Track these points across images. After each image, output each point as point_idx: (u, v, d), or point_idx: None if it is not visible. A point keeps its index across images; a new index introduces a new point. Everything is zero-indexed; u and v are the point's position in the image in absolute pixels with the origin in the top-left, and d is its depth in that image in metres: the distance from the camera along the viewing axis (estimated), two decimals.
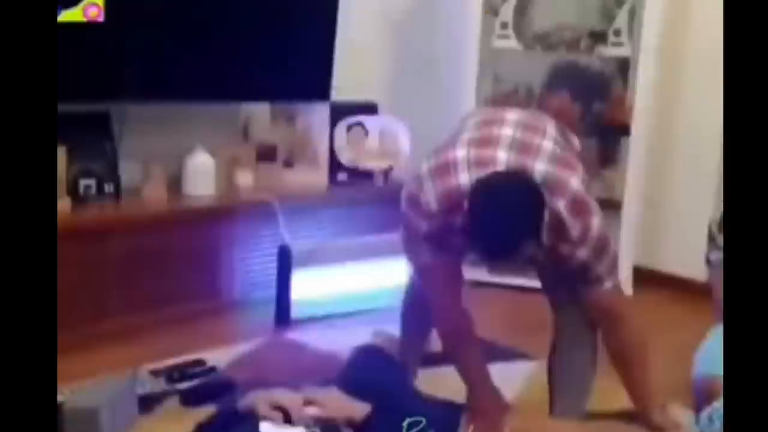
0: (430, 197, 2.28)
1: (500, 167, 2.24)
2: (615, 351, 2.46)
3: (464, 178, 2.24)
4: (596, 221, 2.26)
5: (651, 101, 4.20)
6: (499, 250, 2.18)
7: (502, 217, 2.12)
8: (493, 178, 2.20)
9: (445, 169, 2.28)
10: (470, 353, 2.56)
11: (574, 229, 2.23)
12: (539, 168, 2.24)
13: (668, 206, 4.46)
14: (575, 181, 2.25)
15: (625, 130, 4.23)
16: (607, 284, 2.36)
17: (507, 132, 2.32)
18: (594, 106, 4.30)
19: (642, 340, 2.48)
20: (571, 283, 2.41)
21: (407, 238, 2.43)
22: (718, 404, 2.29)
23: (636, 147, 4.22)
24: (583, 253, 2.26)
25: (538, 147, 2.29)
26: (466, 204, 2.18)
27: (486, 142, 2.31)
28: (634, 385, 2.48)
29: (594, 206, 2.28)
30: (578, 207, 2.24)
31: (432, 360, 3.01)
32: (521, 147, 2.28)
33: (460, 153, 2.29)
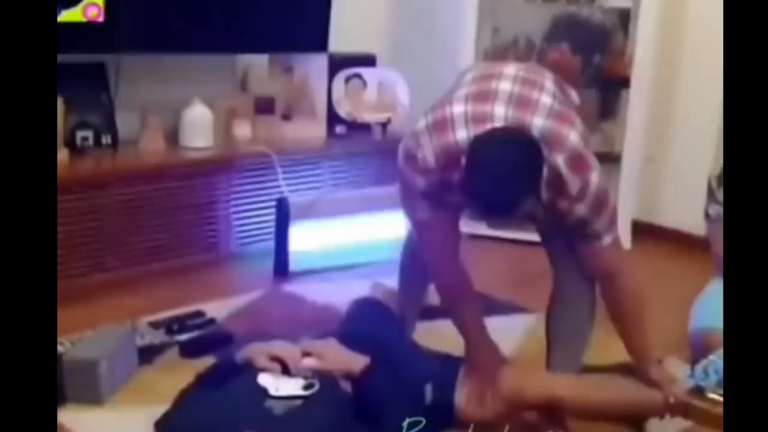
0: (428, 153, 2.26)
1: (498, 123, 2.21)
2: (612, 306, 2.46)
3: (462, 134, 2.22)
4: (595, 177, 2.24)
5: (651, 53, 4.17)
6: (497, 208, 2.16)
7: (500, 175, 2.09)
8: (491, 135, 2.17)
9: (442, 124, 2.26)
10: (467, 309, 2.56)
11: (573, 184, 2.22)
12: (537, 123, 2.22)
13: (668, 160, 4.45)
14: (574, 137, 2.23)
15: (625, 82, 4.21)
16: (606, 240, 2.35)
17: (505, 86, 2.30)
18: (594, 58, 4.27)
19: (639, 296, 2.48)
20: (569, 237, 2.41)
21: (404, 194, 2.42)
22: (714, 357, 2.30)
23: (636, 99, 4.19)
24: (581, 209, 2.25)
25: (537, 102, 2.27)
26: (463, 160, 2.17)
27: (484, 97, 2.28)
28: (631, 340, 2.49)
29: (593, 161, 2.26)
30: (577, 162, 2.22)
31: (430, 313, 3.03)
32: (519, 102, 2.26)
33: (458, 109, 2.26)
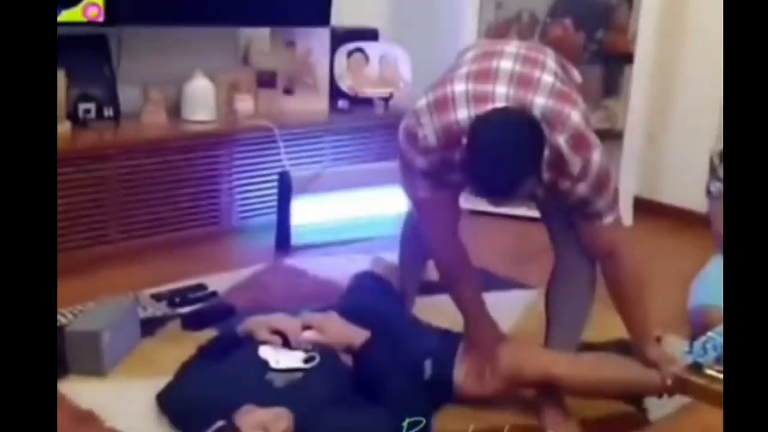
0: (429, 132, 2.25)
1: (499, 102, 2.20)
2: (612, 285, 2.46)
3: (463, 114, 2.21)
4: (597, 156, 2.24)
5: (654, 30, 4.15)
6: (498, 189, 2.16)
7: (501, 156, 2.08)
8: (492, 115, 2.16)
9: (443, 103, 2.25)
10: (466, 286, 2.57)
11: (575, 164, 2.21)
12: (538, 102, 2.21)
13: (670, 137, 4.45)
14: (575, 116, 2.22)
15: (628, 58, 4.20)
16: (607, 219, 2.34)
17: (506, 65, 2.28)
18: (597, 34, 4.26)
19: (639, 276, 2.47)
20: (570, 215, 2.41)
21: (404, 172, 2.41)
22: (713, 334, 2.31)
23: (639, 76, 4.18)
24: (583, 189, 2.25)
25: (538, 81, 2.25)
26: (464, 140, 2.16)
27: (485, 76, 2.27)
28: (630, 319, 2.49)
29: (595, 141, 2.25)
30: (578, 142, 2.21)
31: (429, 289, 3.05)
32: (520, 81, 2.24)
33: (459, 87, 2.25)
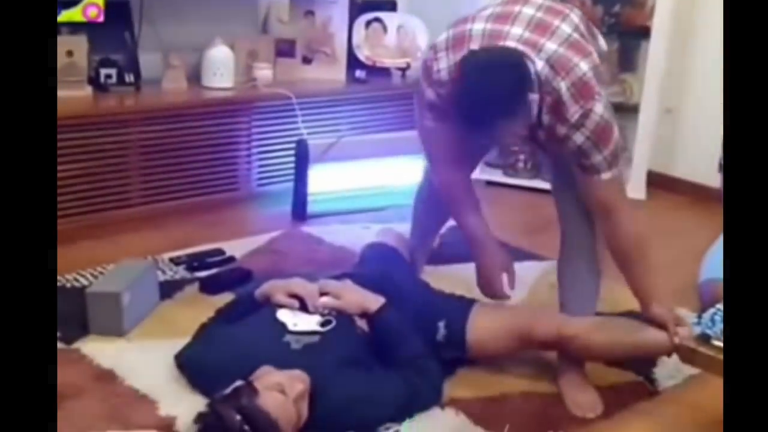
0: (442, 66, 2.32)
1: (510, 42, 2.24)
2: (610, 242, 2.45)
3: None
4: (599, 108, 2.24)
5: (672, 3, 4.15)
6: (474, 124, 2.22)
7: (476, 92, 2.15)
8: (481, 51, 2.23)
9: (460, 40, 2.31)
10: (469, 209, 2.60)
11: (573, 111, 2.23)
12: (549, 47, 2.24)
13: (685, 112, 4.45)
14: (584, 65, 2.24)
15: (645, 32, 4.20)
16: (605, 175, 2.33)
17: (528, 10, 2.33)
18: (614, 8, 4.26)
19: (640, 235, 2.45)
20: (569, 171, 2.41)
21: (418, 102, 2.49)
22: (722, 306, 2.34)
23: (655, 50, 4.18)
24: (579, 138, 2.26)
25: (556, 28, 2.28)
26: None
27: (505, 17, 2.32)
28: (632, 277, 2.47)
29: (600, 94, 2.25)
30: (581, 90, 2.23)
31: (437, 259, 3.07)
32: (538, 26, 2.28)
33: (478, 26, 2.31)
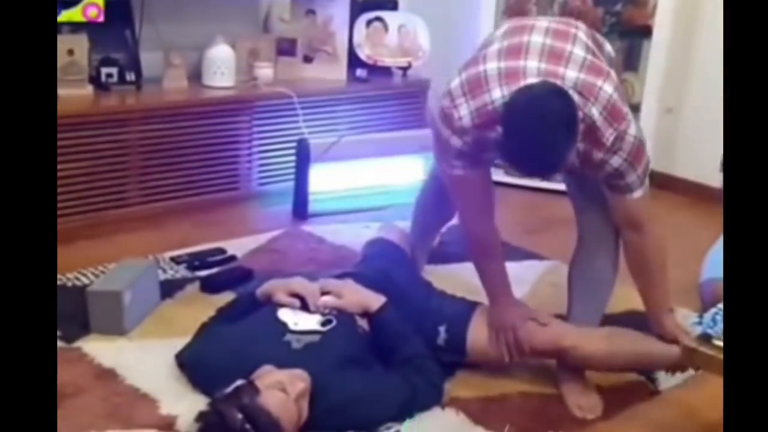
0: (464, 113, 2.24)
1: (530, 77, 2.18)
2: (635, 256, 2.45)
3: (496, 94, 2.20)
4: (633, 129, 2.23)
5: (673, 3, 4.15)
6: (542, 170, 2.19)
7: (540, 138, 2.06)
8: (521, 96, 2.12)
9: (477, 84, 2.24)
10: (494, 263, 2.56)
11: (609, 135, 2.21)
12: (570, 75, 2.20)
13: (686, 111, 4.45)
14: (608, 88, 2.21)
15: (647, 31, 4.19)
16: (637, 193, 2.34)
17: (537, 39, 2.27)
18: (616, 7, 4.25)
19: (663, 250, 2.47)
20: (598, 187, 2.40)
21: (439, 149, 2.41)
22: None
23: (657, 49, 4.18)
24: (616, 161, 2.25)
25: (570, 54, 2.24)
26: (499, 124, 2.15)
27: (516, 51, 2.25)
28: (650, 291, 2.48)
29: (628, 113, 2.24)
30: (612, 113, 2.21)
31: (437, 258, 3.07)
32: (551, 54, 2.23)
33: (491, 65, 2.24)
